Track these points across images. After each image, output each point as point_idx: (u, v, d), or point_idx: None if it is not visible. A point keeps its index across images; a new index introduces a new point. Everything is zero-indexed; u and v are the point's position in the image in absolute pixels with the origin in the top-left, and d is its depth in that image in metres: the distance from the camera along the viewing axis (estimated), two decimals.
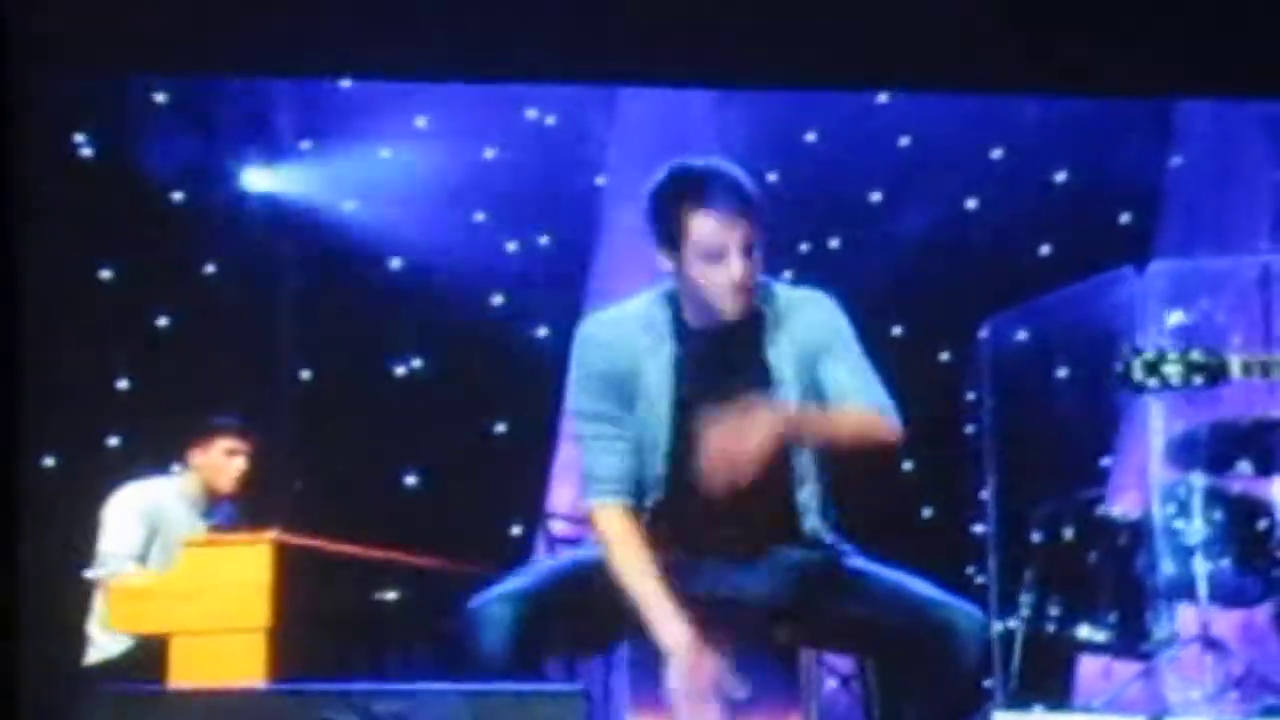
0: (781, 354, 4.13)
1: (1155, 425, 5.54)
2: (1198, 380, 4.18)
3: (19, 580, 4.29)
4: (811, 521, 4.13)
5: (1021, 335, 6.33)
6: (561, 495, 7.08)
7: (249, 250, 7.38)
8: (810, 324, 4.16)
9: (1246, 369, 4.16)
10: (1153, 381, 4.20)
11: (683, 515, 4.12)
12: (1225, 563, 5.45)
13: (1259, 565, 5.46)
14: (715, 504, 4.07)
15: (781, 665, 4.18)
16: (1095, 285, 5.96)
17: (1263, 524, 5.49)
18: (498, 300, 7.36)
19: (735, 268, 4.03)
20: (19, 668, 4.38)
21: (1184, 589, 5.48)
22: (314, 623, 5.61)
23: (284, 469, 7.02)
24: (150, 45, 5.90)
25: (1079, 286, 6.01)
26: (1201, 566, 5.43)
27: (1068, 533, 5.68)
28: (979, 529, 6.36)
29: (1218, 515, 5.45)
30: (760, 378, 4.13)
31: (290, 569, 5.65)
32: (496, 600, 4.07)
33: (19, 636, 4.41)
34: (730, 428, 3.87)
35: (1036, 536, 5.73)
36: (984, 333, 6.17)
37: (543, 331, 7.32)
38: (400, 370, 7.38)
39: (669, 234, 4.11)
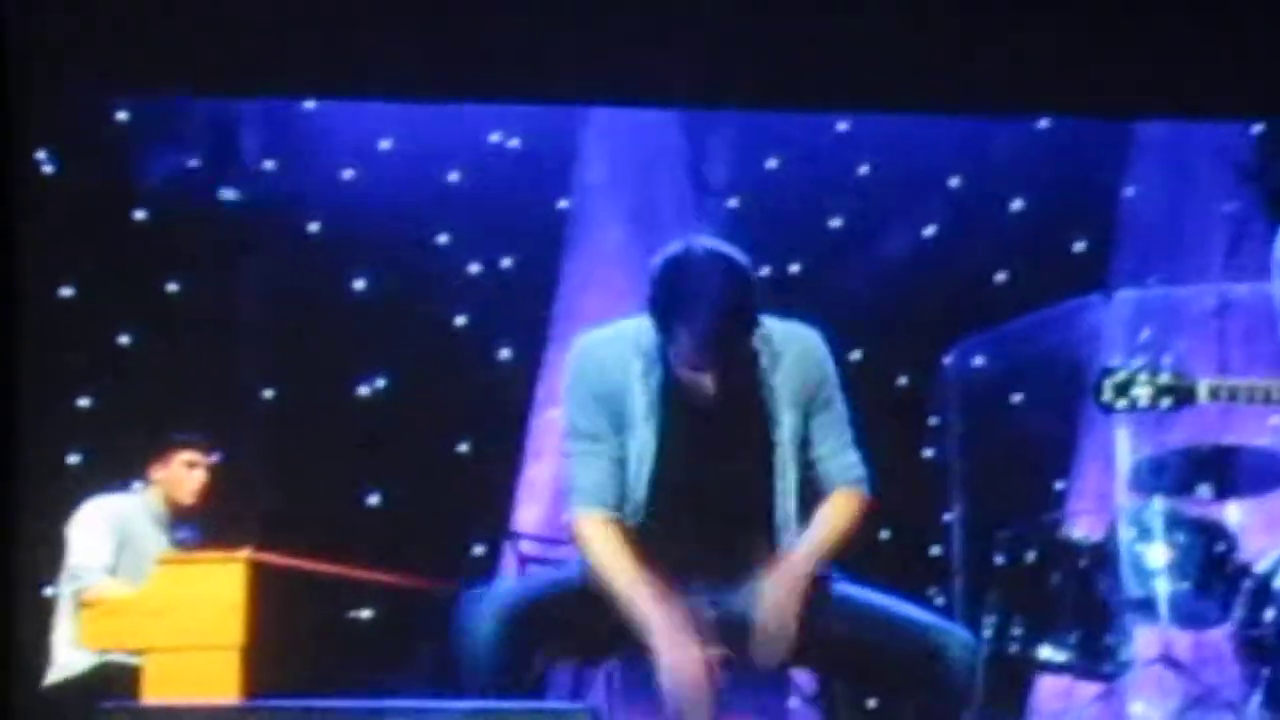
0: (777, 393, 4.22)
1: (1120, 450, 5.68)
2: (1166, 403, 4.30)
3: None
4: (790, 541, 4.23)
5: (988, 360, 6.46)
6: (527, 514, 7.16)
7: (212, 269, 7.43)
8: (807, 366, 4.25)
9: (1214, 393, 4.28)
10: (1122, 403, 4.32)
11: (665, 537, 4.22)
12: (1185, 585, 5.58)
13: (1217, 588, 5.60)
14: (697, 527, 4.19)
15: (769, 687, 4.27)
16: (1062, 312, 6.10)
17: (1220, 547, 5.63)
18: (461, 321, 7.44)
19: (710, 383, 4.13)
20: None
21: (1145, 611, 5.62)
22: (289, 640, 5.68)
23: (249, 487, 7.06)
24: (115, 64, 5.97)
25: (1046, 313, 6.15)
26: (1163, 588, 5.56)
27: (1030, 555, 5.80)
28: (937, 551, 6.50)
29: (1178, 538, 5.59)
30: (752, 414, 4.23)
31: (265, 587, 5.72)
32: (487, 601, 4.15)
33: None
34: (767, 606, 4.00)
35: (999, 559, 5.85)
36: (950, 358, 6.29)
37: (506, 353, 7.42)
38: (364, 390, 7.45)
39: (660, 322, 4.18)
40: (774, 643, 4.04)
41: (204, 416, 6.84)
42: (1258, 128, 7.03)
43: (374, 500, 7.38)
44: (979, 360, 6.40)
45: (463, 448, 7.41)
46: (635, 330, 4.30)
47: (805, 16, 5.55)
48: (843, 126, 7.25)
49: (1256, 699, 5.51)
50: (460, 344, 7.41)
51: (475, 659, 4.06)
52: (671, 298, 4.14)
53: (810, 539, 4.14)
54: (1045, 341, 6.15)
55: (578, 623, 4.17)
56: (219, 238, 7.41)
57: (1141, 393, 4.30)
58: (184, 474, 6.38)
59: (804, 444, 4.21)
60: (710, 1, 5.67)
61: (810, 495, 4.20)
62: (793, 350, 4.26)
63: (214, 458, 6.52)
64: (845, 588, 4.24)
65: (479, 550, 7.28)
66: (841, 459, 4.22)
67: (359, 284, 7.43)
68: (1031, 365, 6.46)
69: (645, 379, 4.23)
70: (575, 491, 4.25)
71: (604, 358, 4.27)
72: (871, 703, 4.31)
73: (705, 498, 4.20)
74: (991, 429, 6.40)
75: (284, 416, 7.38)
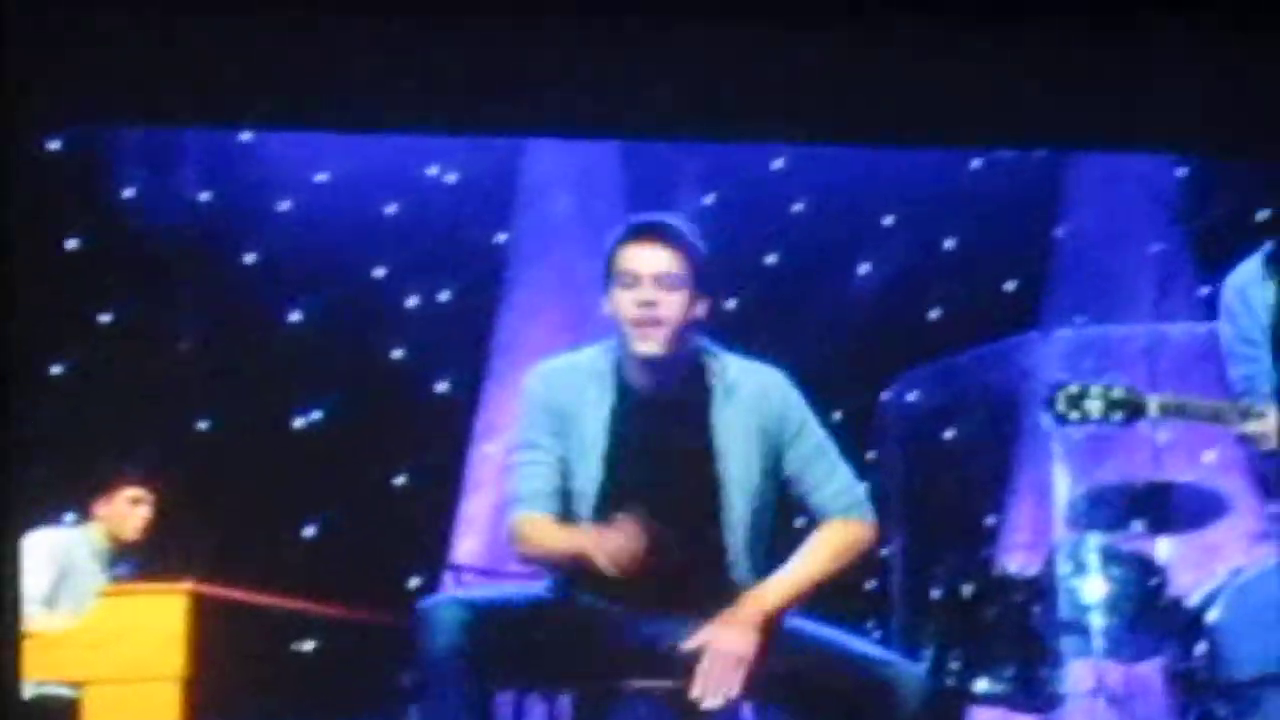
0: (730, 427, 4.28)
1: (1058, 486, 5.78)
2: (1117, 417, 4.40)
3: None
4: (742, 576, 4.29)
5: (926, 396, 6.56)
6: (466, 547, 7.21)
7: (147, 300, 7.44)
8: (766, 403, 4.32)
9: (1164, 409, 4.38)
10: (1074, 415, 4.41)
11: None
12: (1119, 619, 5.69)
13: (1150, 622, 5.71)
14: (643, 558, 4.25)
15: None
16: (1001, 349, 6.21)
17: (1153, 582, 5.74)
18: (398, 354, 7.49)
19: (645, 292, 4.21)
20: None
21: (1080, 644, 5.72)
22: (231, 672, 5.70)
23: (185, 519, 7.07)
24: (49, 94, 5.97)
25: (985, 349, 6.27)
26: (1097, 622, 5.67)
27: (967, 589, 5.89)
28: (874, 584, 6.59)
29: (1113, 573, 5.68)
30: (700, 448, 4.30)
31: (206, 618, 5.74)
32: (450, 602, 4.21)
33: None
34: (724, 637, 4.07)
35: (936, 593, 5.93)
36: (888, 393, 6.39)
37: (443, 386, 7.47)
38: (300, 422, 7.47)
39: (606, 280, 4.30)
40: (717, 685, 4.11)
41: (140, 449, 6.85)
42: (1182, 171, 7.21)
43: (310, 532, 7.41)
44: (917, 395, 6.50)
45: (400, 480, 7.45)
46: (590, 358, 4.40)
47: (743, 50, 5.64)
48: (778, 164, 7.36)
49: None
50: (397, 377, 7.46)
51: (438, 645, 4.10)
52: (621, 233, 4.28)
53: (781, 577, 4.21)
54: (983, 377, 6.27)
55: (533, 639, 4.24)
56: (154, 268, 7.42)
57: (1094, 406, 4.40)
58: (128, 510, 6.41)
59: (787, 484, 4.29)
60: (648, 35, 5.74)
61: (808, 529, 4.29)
62: (749, 388, 4.35)
63: (157, 493, 6.54)
64: (795, 621, 4.31)
65: (415, 582, 7.33)
66: (828, 488, 4.29)
67: (295, 316, 7.47)
68: (969, 401, 6.58)
69: (598, 405, 4.31)
70: (516, 500, 4.34)
71: (557, 382, 4.37)
72: None
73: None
74: (929, 464, 6.50)
75: (220, 448, 7.39)
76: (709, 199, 7.43)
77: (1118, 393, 4.39)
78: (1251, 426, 4.30)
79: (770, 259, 7.44)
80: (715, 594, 4.21)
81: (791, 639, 4.22)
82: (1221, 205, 6.97)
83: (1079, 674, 5.80)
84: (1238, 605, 5.58)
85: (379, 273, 7.49)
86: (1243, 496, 6.12)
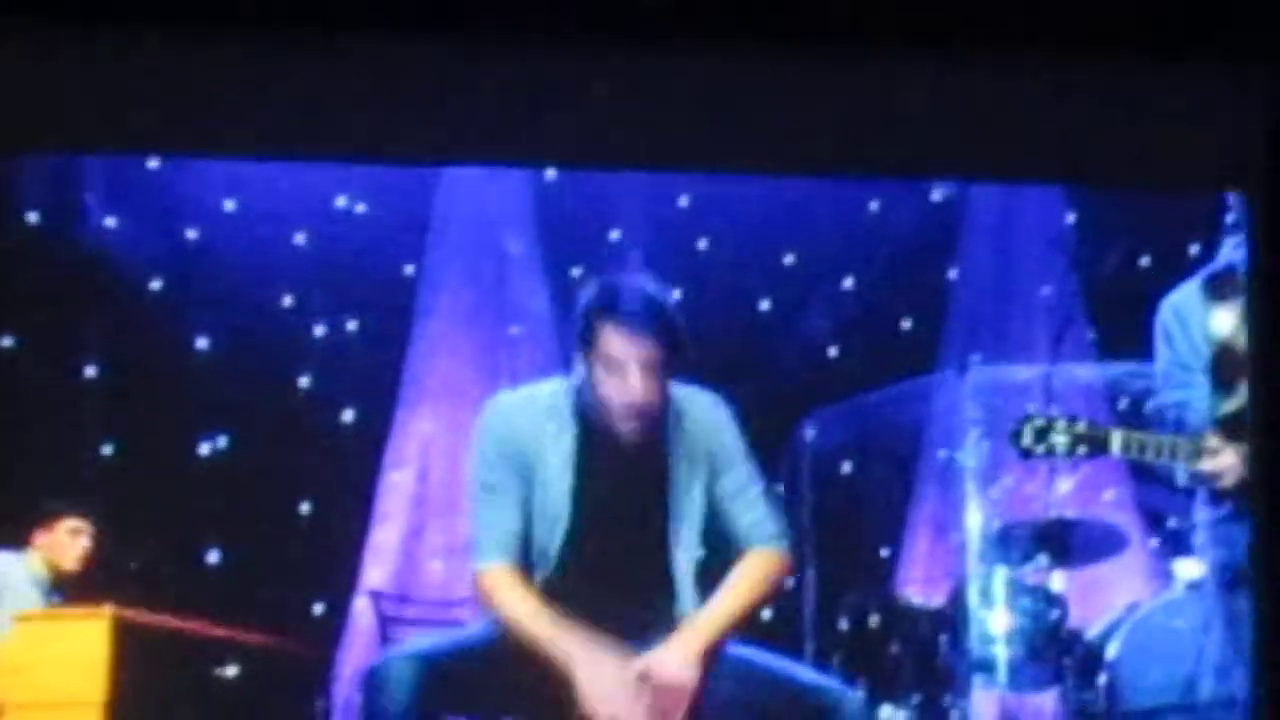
0: (680, 458, 4.44)
1: (971, 522, 5.97)
2: (1081, 450, 4.50)
3: None
4: (686, 608, 4.43)
5: (835, 432, 6.71)
6: (374, 575, 7.26)
7: (50, 325, 7.43)
8: (710, 430, 4.47)
9: (1126, 445, 4.47)
10: (1041, 448, 4.50)
11: (571, 593, 4.40)
12: (1022, 650, 5.90)
13: (1051, 653, 5.92)
14: (602, 584, 4.38)
15: None
16: (916, 387, 6.40)
17: (1055, 614, 5.96)
18: (305, 383, 7.54)
19: (633, 384, 4.33)
20: None
21: (984, 674, 5.92)
22: (153, 697, 5.74)
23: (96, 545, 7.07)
24: None
25: (900, 387, 6.45)
26: (1002, 653, 5.87)
27: (873, 620, 6.09)
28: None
29: (1017, 605, 5.90)
30: (654, 481, 4.44)
31: (127, 644, 5.78)
32: (400, 659, 4.30)
33: None
34: (664, 667, 4.19)
35: (844, 624, 6.12)
36: (805, 429, 6.54)
37: (349, 415, 7.53)
38: (205, 449, 7.50)
39: (582, 341, 4.40)
40: (661, 714, 4.24)
41: (49, 477, 6.87)
42: (1070, 216, 7.46)
43: (214, 558, 7.43)
44: (825, 431, 6.65)
45: (304, 508, 7.50)
46: (549, 394, 4.52)
47: (648, 82, 5.77)
48: (684, 201, 7.52)
49: None
50: (303, 405, 7.51)
51: (388, 706, 4.20)
52: (598, 299, 4.38)
53: (711, 608, 4.35)
54: (897, 414, 6.44)
55: (486, 682, 4.35)
56: (59, 294, 7.42)
57: (1059, 440, 4.49)
58: (68, 541, 6.50)
59: (714, 511, 4.43)
60: (556, 66, 5.86)
61: (730, 559, 4.43)
62: (692, 411, 4.49)
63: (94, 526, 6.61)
64: (737, 649, 4.47)
65: (320, 609, 7.38)
66: (748, 518, 4.44)
67: (202, 343, 7.50)
68: (875, 437, 6.75)
69: (558, 440, 4.43)
70: (478, 547, 4.44)
71: (515, 418, 4.48)
72: None
73: (611, 556, 4.41)
74: (835, 498, 6.67)
75: (123, 474, 7.40)
76: (615, 233, 7.58)
77: (1082, 426, 4.49)
78: (1207, 464, 4.40)
79: (675, 294, 7.56)
80: (661, 626, 4.36)
81: (735, 666, 4.37)
82: (1108, 250, 7.22)
83: (983, 704, 6.01)
84: (1136, 638, 5.84)
85: (287, 301, 7.53)
86: (1136, 533, 6.36)
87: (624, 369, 4.32)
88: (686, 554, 4.41)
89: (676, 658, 4.23)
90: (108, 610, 5.78)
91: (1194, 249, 6.68)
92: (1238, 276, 4.47)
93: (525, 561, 4.39)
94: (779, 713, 4.30)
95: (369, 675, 4.26)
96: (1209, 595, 5.76)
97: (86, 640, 5.73)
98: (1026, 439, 4.54)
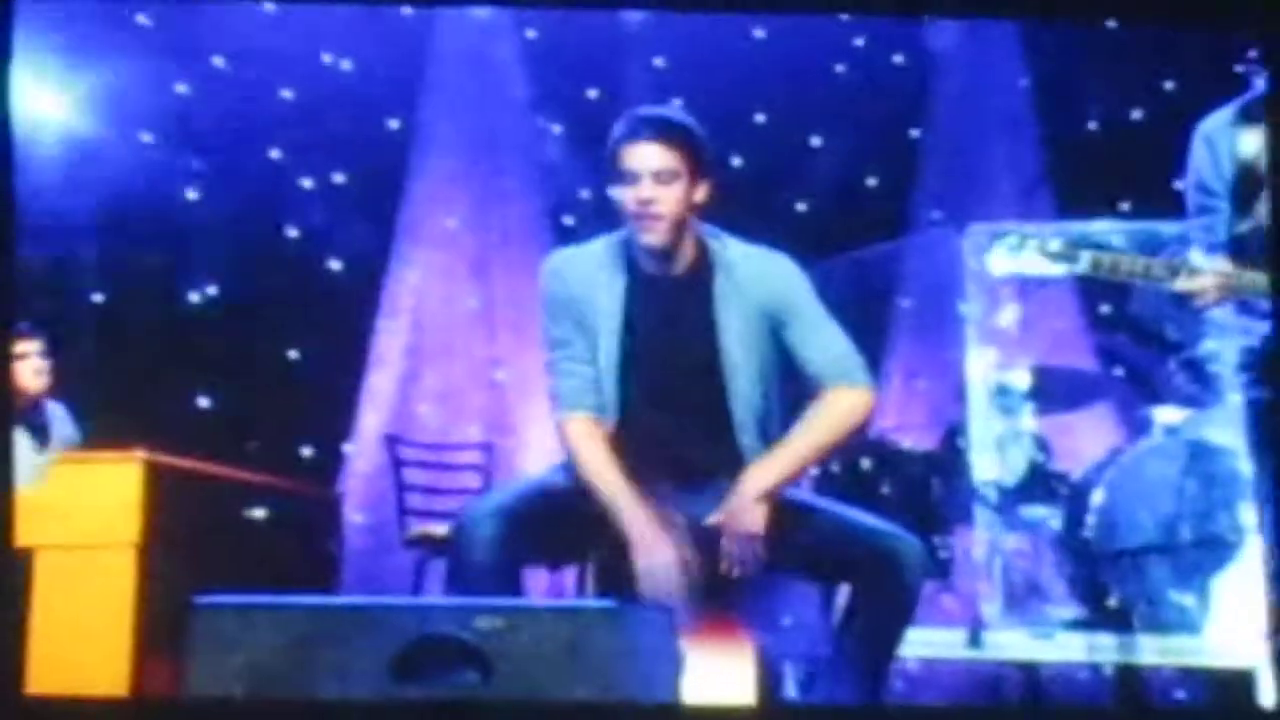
0: (729, 309, 4.43)
1: (972, 370, 6.08)
2: (1055, 269, 4.39)
3: None
4: (750, 444, 4.46)
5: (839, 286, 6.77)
6: (368, 421, 7.27)
7: (43, 177, 7.30)
8: (765, 285, 4.46)
9: (1096, 264, 4.34)
10: (1011, 265, 4.40)
11: (635, 439, 4.43)
12: (1012, 492, 6.04)
13: (1038, 495, 6.08)
14: (662, 430, 4.41)
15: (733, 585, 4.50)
16: (917, 242, 6.47)
17: (1041, 458, 6.11)
18: (293, 233, 7.48)
19: (644, 189, 4.35)
20: None
21: (974, 514, 6.07)
22: (183, 539, 5.72)
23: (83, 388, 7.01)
24: None
25: (902, 242, 6.52)
26: (991, 494, 6.02)
27: (865, 463, 6.20)
28: None
29: (1007, 449, 6.04)
30: (704, 323, 4.45)
31: (159, 487, 5.75)
32: (483, 517, 4.31)
33: None
34: (737, 517, 4.22)
35: (835, 467, 6.22)
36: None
37: (336, 265, 7.49)
38: (195, 297, 7.44)
39: (611, 166, 4.42)
40: (740, 561, 4.29)
41: (36, 319, 6.77)
42: (1024, 81, 7.54)
43: (205, 403, 7.39)
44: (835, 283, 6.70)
45: (293, 354, 7.47)
46: (600, 247, 4.53)
47: None
48: (659, 62, 7.52)
49: (1062, 589, 6.04)
50: (292, 255, 7.46)
51: (474, 559, 4.22)
52: (624, 127, 4.39)
53: (786, 447, 4.38)
54: (870, 269, 6.51)
55: (564, 526, 4.37)
56: (51, 146, 7.29)
57: (1030, 257, 4.34)
58: (31, 378, 6.38)
59: (790, 358, 4.45)
60: None
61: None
62: (746, 269, 4.49)
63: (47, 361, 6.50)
64: (800, 494, 4.52)
65: (307, 452, 7.37)
66: (824, 357, 4.42)
67: (191, 195, 7.41)
68: (851, 291, 6.82)
69: (610, 288, 4.44)
70: (556, 398, 4.45)
71: (569, 273, 4.49)
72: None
73: (667, 402, 4.43)
74: None
75: (114, 319, 7.32)
76: (593, 93, 7.56)
77: (1054, 245, 4.30)
78: (1182, 284, 4.29)
79: None
80: (726, 462, 4.39)
81: (796, 510, 4.41)
82: (1064, 113, 7.34)
83: (971, 542, 6.15)
84: (1124, 480, 5.97)
85: (274, 154, 7.45)
86: (1118, 383, 6.50)
87: (637, 178, 4.35)
88: (743, 395, 4.41)
89: (746, 505, 4.26)
90: (140, 454, 5.74)
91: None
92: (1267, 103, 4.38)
93: (598, 409, 4.40)
94: (843, 555, 4.35)
95: (456, 533, 4.26)
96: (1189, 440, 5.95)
97: (119, 483, 5.68)
98: (999, 255, 4.40)
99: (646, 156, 4.40)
